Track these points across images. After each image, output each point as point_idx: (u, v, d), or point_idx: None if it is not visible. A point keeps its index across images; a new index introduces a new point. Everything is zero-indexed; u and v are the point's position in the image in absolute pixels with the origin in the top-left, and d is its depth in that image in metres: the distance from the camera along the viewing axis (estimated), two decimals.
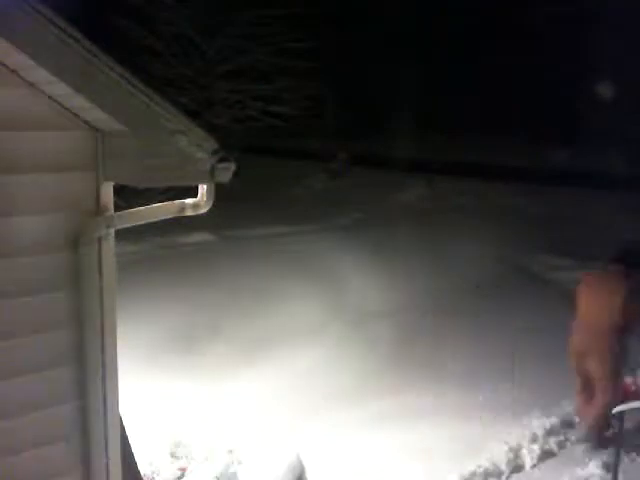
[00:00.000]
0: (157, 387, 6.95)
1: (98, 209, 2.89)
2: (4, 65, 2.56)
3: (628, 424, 5.61)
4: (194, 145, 2.78)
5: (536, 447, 6.11)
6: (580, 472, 5.67)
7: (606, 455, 5.82)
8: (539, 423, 6.52)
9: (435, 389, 7.39)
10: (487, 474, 5.69)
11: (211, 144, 2.83)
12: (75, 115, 2.77)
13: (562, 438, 6.35)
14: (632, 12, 18.19)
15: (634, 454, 5.97)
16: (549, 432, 6.38)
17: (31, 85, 2.64)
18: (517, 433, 6.37)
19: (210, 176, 2.87)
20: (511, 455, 5.97)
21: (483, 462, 5.81)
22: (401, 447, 6.02)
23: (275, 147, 23.23)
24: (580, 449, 6.10)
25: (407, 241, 12.84)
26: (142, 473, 4.53)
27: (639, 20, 18.10)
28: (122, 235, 3.16)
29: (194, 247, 13.21)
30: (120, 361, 3.13)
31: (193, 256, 12.39)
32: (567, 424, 6.58)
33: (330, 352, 8.40)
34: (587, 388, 6.16)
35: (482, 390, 7.36)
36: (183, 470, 5.36)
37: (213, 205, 2.99)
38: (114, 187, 2.96)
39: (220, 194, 3.04)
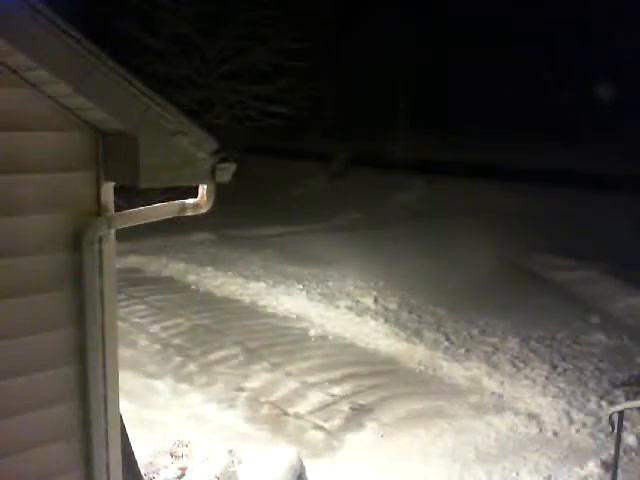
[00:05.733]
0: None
1: (99, 209, 2.89)
2: (5, 65, 2.57)
3: None
4: (194, 145, 2.78)
5: None
6: (580, 471, 5.68)
7: (606, 454, 5.84)
8: None
9: (431, 398, 7.41)
10: None
11: (211, 144, 2.83)
12: (75, 115, 2.77)
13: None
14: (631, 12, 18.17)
15: (633, 454, 5.98)
16: None
17: (32, 85, 2.65)
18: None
19: (210, 176, 2.87)
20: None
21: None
22: None
23: (275, 147, 23.21)
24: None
25: (406, 241, 12.86)
26: (142, 473, 4.53)
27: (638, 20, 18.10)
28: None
29: (196, 246, 13.25)
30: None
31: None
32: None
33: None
34: None
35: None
36: (183, 470, 5.37)
37: (213, 205, 3.00)
38: (114, 187, 2.97)
39: (220, 194, 3.05)
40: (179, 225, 11.84)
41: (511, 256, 12.64)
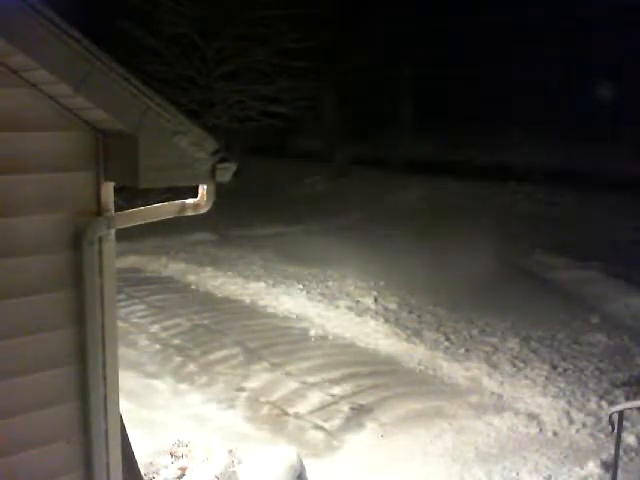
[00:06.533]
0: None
1: (99, 209, 2.89)
2: (5, 66, 2.57)
3: None
4: (194, 145, 2.78)
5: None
6: (580, 471, 5.68)
7: (606, 454, 5.84)
8: None
9: (431, 398, 7.41)
10: None
11: (211, 144, 2.83)
12: (75, 115, 2.77)
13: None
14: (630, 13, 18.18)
15: (633, 454, 5.99)
16: None
17: (32, 85, 2.65)
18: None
19: (210, 176, 2.87)
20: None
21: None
22: None
23: (275, 147, 23.22)
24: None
25: (406, 241, 12.87)
26: (142, 473, 4.53)
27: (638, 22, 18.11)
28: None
29: (196, 246, 13.25)
30: None
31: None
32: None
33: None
34: None
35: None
36: (183, 470, 5.37)
37: (213, 205, 3.00)
38: (114, 187, 2.97)
39: (220, 194, 3.05)
40: (179, 225, 11.87)
41: (511, 256, 12.65)
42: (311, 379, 7.57)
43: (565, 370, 7.81)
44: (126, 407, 4.05)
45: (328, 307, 9.79)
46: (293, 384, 7.46)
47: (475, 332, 8.97)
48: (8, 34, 2.35)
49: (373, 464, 5.80)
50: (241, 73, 18.10)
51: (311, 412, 6.82)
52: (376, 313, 9.55)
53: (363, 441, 6.27)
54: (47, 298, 2.81)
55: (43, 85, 2.64)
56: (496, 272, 11.40)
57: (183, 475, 5.31)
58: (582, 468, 5.71)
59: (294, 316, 9.62)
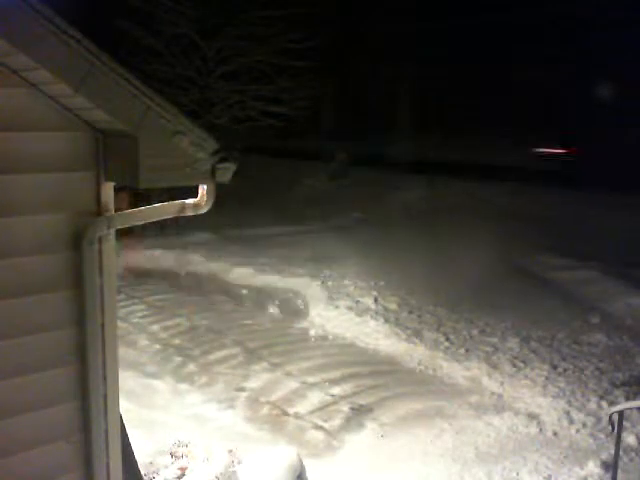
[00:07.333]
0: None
1: (99, 209, 2.89)
2: (5, 66, 2.57)
3: None
4: (194, 145, 2.78)
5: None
6: (580, 471, 5.68)
7: (606, 454, 5.84)
8: None
9: (431, 398, 7.40)
10: None
11: (211, 144, 2.83)
12: (75, 115, 2.77)
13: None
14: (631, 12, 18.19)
15: (633, 454, 5.99)
16: None
17: (32, 86, 2.65)
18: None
19: (210, 176, 2.87)
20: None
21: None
22: None
23: (275, 147, 23.23)
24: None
25: (406, 241, 12.85)
26: (142, 473, 4.53)
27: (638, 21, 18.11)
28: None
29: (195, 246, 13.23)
30: None
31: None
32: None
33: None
34: None
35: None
36: (183, 470, 5.37)
37: (213, 205, 3.00)
38: (114, 187, 2.97)
39: (220, 194, 3.05)
40: (179, 225, 11.88)
41: (511, 256, 12.63)
42: (311, 379, 7.57)
43: (565, 370, 7.81)
44: (126, 407, 4.05)
45: (328, 307, 9.79)
46: (293, 384, 7.46)
47: (475, 332, 8.96)
48: (8, 34, 2.35)
49: (373, 464, 5.80)
50: (241, 73, 18.07)
51: (311, 412, 6.82)
52: (376, 313, 9.55)
53: (363, 441, 6.27)
54: (47, 298, 2.81)
55: (43, 85, 2.64)
56: (496, 272, 11.39)
57: (183, 475, 5.31)
58: (582, 468, 5.71)
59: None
